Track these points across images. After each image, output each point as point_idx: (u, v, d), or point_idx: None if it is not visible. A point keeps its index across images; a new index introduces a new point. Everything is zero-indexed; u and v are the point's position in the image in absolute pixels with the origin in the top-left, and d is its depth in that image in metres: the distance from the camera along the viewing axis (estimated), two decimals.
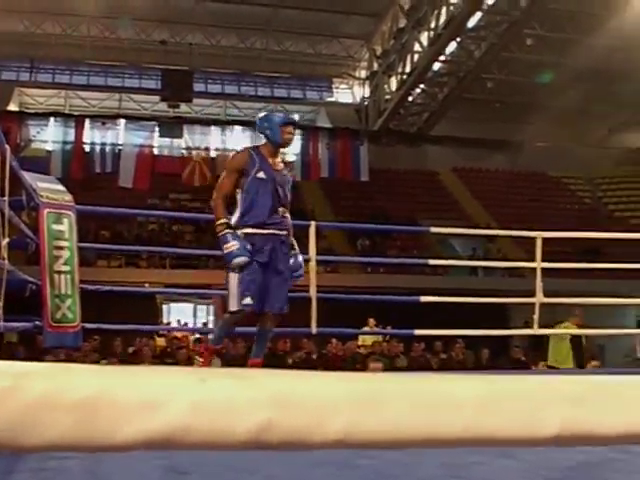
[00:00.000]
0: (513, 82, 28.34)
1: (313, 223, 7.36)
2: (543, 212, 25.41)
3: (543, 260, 7.58)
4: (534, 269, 7.62)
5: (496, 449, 2.35)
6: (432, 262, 9.58)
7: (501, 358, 14.84)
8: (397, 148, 29.11)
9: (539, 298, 7.37)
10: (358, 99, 31.34)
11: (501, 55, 25.92)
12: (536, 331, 7.70)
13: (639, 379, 0.68)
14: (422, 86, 28.40)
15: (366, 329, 14.03)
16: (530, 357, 14.09)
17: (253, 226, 5.49)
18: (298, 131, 27.93)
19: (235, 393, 0.66)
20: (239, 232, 5.43)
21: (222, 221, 5.46)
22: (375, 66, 29.40)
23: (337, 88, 32.03)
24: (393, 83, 28.25)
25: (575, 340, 11.83)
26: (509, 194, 28.41)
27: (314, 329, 7.21)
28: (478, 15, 23.99)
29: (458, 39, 25.23)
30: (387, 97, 28.65)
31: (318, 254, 7.46)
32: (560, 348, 11.35)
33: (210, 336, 6.60)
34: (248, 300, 5.48)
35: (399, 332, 11.88)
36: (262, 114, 5.83)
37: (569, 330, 10.08)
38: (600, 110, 29.07)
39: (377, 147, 27.95)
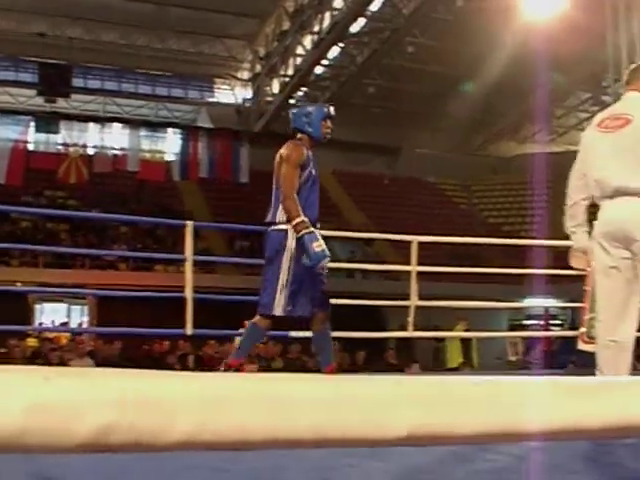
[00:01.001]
0: (394, 89, 28.81)
1: (190, 223, 7.27)
2: (420, 217, 25.87)
3: (419, 264, 7.69)
4: (410, 272, 7.72)
5: (367, 451, 2.34)
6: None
7: (377, 360, 15.02)
8: (278, 150, 29.17)
9: (414, 301, 7.48)
10: (240, 100, 31.26)
11: (383, 61, 26.29)
12: (412, 334, 7.81)
13: (490, 380, 0.69)
14: (304, 89, 28.56)
15: (242, 331, 13.96)
16: (403, 359, 14.33)
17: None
18: (177, 130, 27.70)
19: (78, 393, 0.63)
20: (290, 228, 5.06)
21: (303, 219, 5.02)
22: (258, 68, 29.36)
23: (219, 88, 31.85)
24: (275, 85, 28.28)
25: (465, 343, 12.19)
26: (388, 198, 28.80)
27: (189, 330, 7.13)
28: (361, 21, 24.27)
29: (341, 44, 25.47)
30: (269, 99, 28.67)
31: (195, 255, 7.38)
32: (452, 350, 11.67)
33: (236, 344, 5.95)
34: (292, 306, 5.17)
35: (275, 334, 11.87)
36: (299, 108, 5.51)
37: (455, 333, 10.28)
38: (478, 119, 29.83)
39: (258, 149, 27.90)
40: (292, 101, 28.74)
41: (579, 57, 25.36)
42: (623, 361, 4.06)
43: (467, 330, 12.60)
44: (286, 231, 5.09)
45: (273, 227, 5.20)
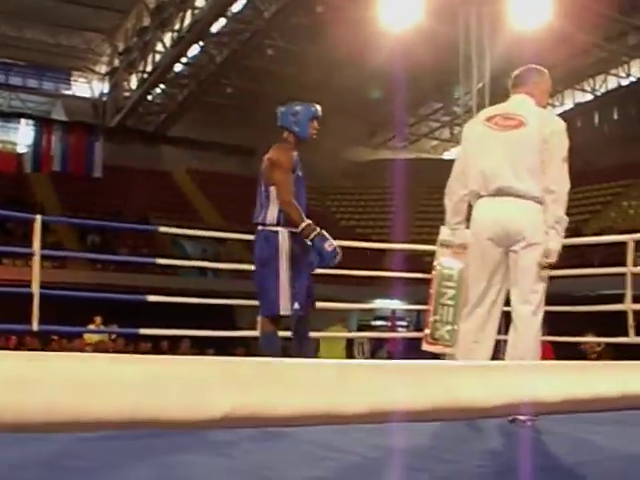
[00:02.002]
0: (252, 90, 28.89)
1: (39, 217, 7.08)
2: None
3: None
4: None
5: (211, 447, 2.40)
6: (160, 261, 9.53)
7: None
8: (133, 146, 28.73)
9: None
10: (97, 94, 30.64)
11: (242, 62, 26.30)
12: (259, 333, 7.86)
13: (312, 363, 0.74)
14: (162, 86, 28.28)
15: (92, 327, 13.77)
16: (256, 355, 14.39)
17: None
18: (30, 121, 26.89)
19: None
20: (284, 230, 4.97)
21: (308, 222, 4.92)
22: (116, 62, 28.82)
23: (76, 81, 31.10)
24: (133, 81, 27.86)
25: (349, 342, 12.39)
26: (241, 198, 28.75)
27: (35, 326, 6.97)
28: (222, 21, 24.23)
29: (201, 43, 25.36)
30: (126, 94, 28.23)
31: (45, 249, 7.23)
32: (333, 350, 11.80)
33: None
34: (297, 305, 5.00)
35: (124, 331, 11.79)
36: (287, 106, 5.29)
37: (331, 334, 10.36)
38: (333, 124, 30.15)
39: (113, 144, 27.45)
40: (150, 97, 28.43)
41: (432, 67, 26.05)
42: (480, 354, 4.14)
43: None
44: (277, 232, 5.02)
45: (263, 228, 5.10)
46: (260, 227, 5.08)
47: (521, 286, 4.08)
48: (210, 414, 0.64)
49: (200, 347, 14.76)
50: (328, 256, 4.93)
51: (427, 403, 0.70)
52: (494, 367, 0.78)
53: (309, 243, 4.98)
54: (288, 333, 5.32)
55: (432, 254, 7.53)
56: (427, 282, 7.37)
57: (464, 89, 18.28)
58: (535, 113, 4.20)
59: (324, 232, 4.98)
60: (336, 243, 5.15)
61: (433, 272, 7.37)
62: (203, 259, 21.32)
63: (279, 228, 5.00)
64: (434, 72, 26.97)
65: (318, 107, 5.29)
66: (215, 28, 24.34)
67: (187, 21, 23.52)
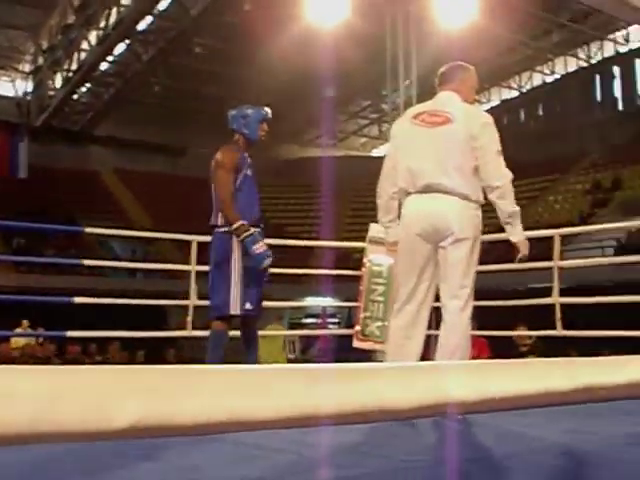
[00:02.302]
0: (180, 88, 28.69)
1: None
2: (203, 217, 25.83)
3: (200, 263, 7.70)
4: (190, 272, 7.73)
5: (139, 451, 2.35)
6: (87, 262, 9.42)
7: (156, 359, 14.93)
8: (59, 146, 28.35)
9: (193, 301, 7.49)
10: (20, 93, 30.07)
11: (169, 61, 26.10)
12: (190, 333, 7.80)
13: (225, 368, 0.73)
14: (88, 85, 27.91)
15: (18, 330, 13.53)
16: (185, 358, 14.34)
17: (250, 225, 5.15)
18: None
19: None
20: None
21: (241, 222, 5.06)
22: (40, 60, 28.32)
23: None
24: (58, 79, 27.36)
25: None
26: (170, 198, 28.58)
27: None
28: (149, 19, 24.00)
29: (127, 41, 25.06)
30: (51, 93, 27.74)
31: None
32: (271, 349, 11.76)
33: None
34: (249, 305, 5.13)
35: (51, 334, 11.61)
36: (237, 109, 5.42)
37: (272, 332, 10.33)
38: None
39: (38, 144, 27.02)
40: (75, 97, 28.02)
41: (360, 65, 26.19)
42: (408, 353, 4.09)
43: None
44: (230, 233, 5.10)
45: (217, 230, 5.20)
46: (215, 229, 5.20)
47: (450, 282, 4.07)
48: (115, 425, 0.62)
49: (130, 349, 14.61)
50: (257, 259, 5.03)
51: (352, 406, 0.69)
52: (417, 368, 0.78)
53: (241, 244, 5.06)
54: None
55: (362, 251, 7.58)
56: (358, 279, 7.43)
57: (392, 87, 18.35)
58: (462, 109, 4.21)
59: (257, 234, 5.07)
60: (267, 241, 5.17)
61: (363, 269, 7.43)
62: (132, 260, 21.14)
63: (231, 229, 5.09)
64: (362, 70, 27.12)
65: (268, 110, 5.43)
66: (141, 26, 24.08)
67: (113, 19, 23.19)
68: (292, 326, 21.02)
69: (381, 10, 18.73)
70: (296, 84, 26.81)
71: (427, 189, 4.06)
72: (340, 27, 18.23)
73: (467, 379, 0.69)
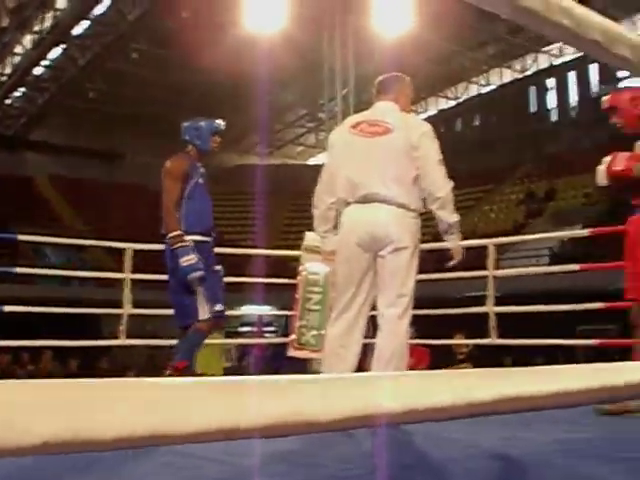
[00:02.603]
0: (117, 94, 28.41)
1: None
2: (140, 224, 25.58)
3: (136, 271, 7.61)
4: (124, 280, 7.63)
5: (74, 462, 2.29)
6: (19, 270, 9.25)
7: (90, 368, 14.76)
8: None
9: (127, 309, 7.40)
10: None
11: (106, 66, 25.83)
12: (124, 341, 7.71)
13: (143, 381, 0.70)
14: (22, 89, 27.48)
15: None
16: (117, 366, 14.20)
17: (201, 233, 5.19)
18: None
19: None
20: (188, 238, 5.07)
21: (178, 233, 5.07)
22: None
23: None
24: None
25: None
26: (106, 205, 28.23)
27: None
28: (85, 23, 23.73)
29: (63, 45, 24.74)
30: None
31: None
32: (209, 358, 11.65)
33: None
34: (219, 306, 5.20)
35: None
36: (190, 122, 5.44)
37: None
38: None
39: None
40: (8, 101, 27.58)
41: (298, 73, 26.23)
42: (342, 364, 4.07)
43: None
44: (169, 240, 5.12)
45: (166, 239, 5.19)
46: (165, 238, 5.17)
47: (389, 290, 4.06)
48: (28, 440, 0.58)
49: (63, 358, 14.40)
50: (182, 271, 5.01)
51: (272, 418, 0.67)
52: (340, 380, 0.75)
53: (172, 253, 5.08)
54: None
55: (298, 259, 7.56)
56: (294, 287, 7.40)
57: (329, 95, 18.41)
58: (401, 119, 4.21)
59: (190, 248, 5.05)
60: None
61: (298, 277, 7.41)
62: (67, 267, 20.78)
63: (186, 237, 5.10)
64: (300, 78, 27.18)
65: (221, 122, 5.53)
66: (77, 30, 23.81)
67: (48, 22, 22.91)
68: (228, 335, 20.82)
69: (319, 19, 18.80)
70: (234, 92, 26.71)
71: (366, 199, 4.05)
72: (278, 35, 18.22)
73: (398, 390, 0.67)
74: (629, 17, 26.27)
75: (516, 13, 0.94)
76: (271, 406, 0.70)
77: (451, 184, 4.14)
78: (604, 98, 4.69)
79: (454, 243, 4.22)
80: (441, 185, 4.10)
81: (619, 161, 4.32)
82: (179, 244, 5.04)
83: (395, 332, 4.04)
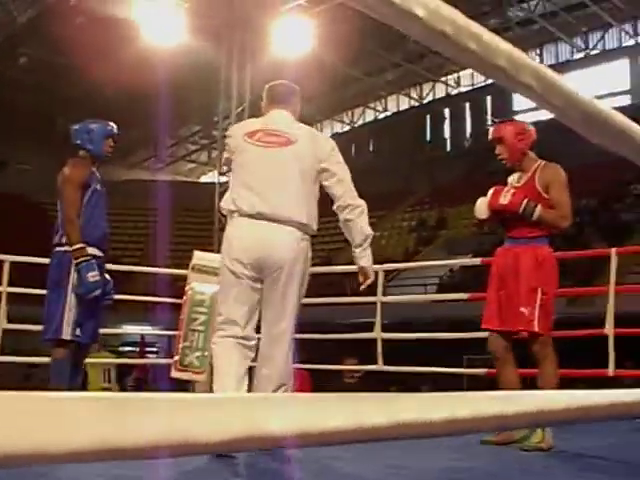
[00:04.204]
0: (3, 100, 27.55)
1: None
2: (17, 236, 24.82)
3: (16, 285, 7.29)
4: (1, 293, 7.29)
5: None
6: None
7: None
8: None
9: (2, 324, 7.07)
10: None
11: None
12: None
13: (79, 395, 0.60)
14: None
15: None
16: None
17: (95, 245, 4.93)
18: None
19: None
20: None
21: (81, 245, 4.79)
22: None
23: None
24: None
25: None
26: None
27: None
28: None
29: None
30: None
31: None
32: (94, 377, 11.36)
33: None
34: (79, 331, 4.81)
35: None
36: (81, 124, 5.08)
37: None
38: None
39: None
40: None
41: (193, 88, 26.01)
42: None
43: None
44: (68, 253, 4.83)
45: (57, 249, 4.91)
46: (55, 248, 4.94)
47: (274, 313, 3.85)
48: None
49: None
50: (87, 287, 4.79)
51: (158, 438, 0.63)
52: (231, 400, 0.68)
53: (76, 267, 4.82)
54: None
55: (185, 278, 7.36)
56: (179, 307, 7.20)
57: (223, 112, 18.26)
58: (305, 131, 4.02)
59: (94, 262, 4.84)
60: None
61: (184, 297, 7.21)
62: None
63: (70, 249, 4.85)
64: (195, 93, 26.97)
65: (113, 125, 5.24)
66: None
67: None
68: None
69: (218, 35, 18.64)
70: (126, 104, 26.27)
71: (260, 215, 3.78)
72: (176, 49, 18.01)
73: (285, 412, 0.61)
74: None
75: (428, 36, 0.93)
76: (156, 425, 0.61)
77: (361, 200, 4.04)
78: (491, 129, 4.72)
79: (367, 261, 4.09)
80: (356, 196, 4.01)
81: (504, 196, 4.41)
82: (82, 258, 4.80)
83: (279, 355, 3.85)
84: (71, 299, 4.84)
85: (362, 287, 4.15)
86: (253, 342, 3.92)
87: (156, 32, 16.87)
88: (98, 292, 4.86)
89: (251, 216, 3.79)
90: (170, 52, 18.12)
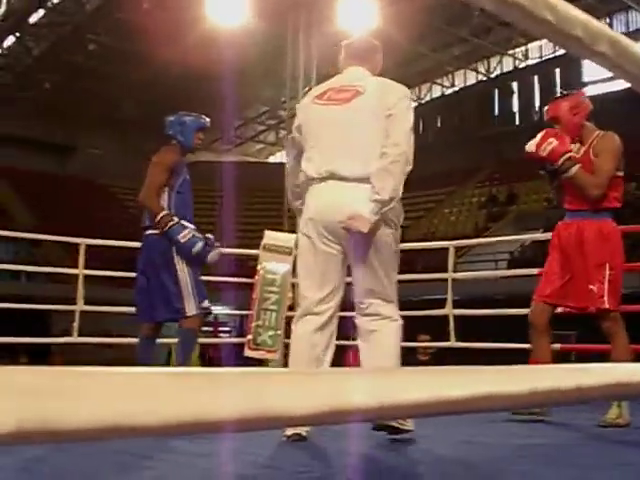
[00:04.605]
0: (72, 86, 27.98)
1: None
2: (91, 219, 25.25)
3: (88, 267, 7.42)
4: (77, 276, 7.44)
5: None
6: None
7: (40, 365, 14.51)
8: None
9: (80, 306, 7.21)
10: None
11: (62, 57, 25.42)
12: (76, 339, 7.53)
13: (103, 371, 0.62)
14: None
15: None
16: (69, 364, 13.97)
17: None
18: None
19: None
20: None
21: (165, 212, 4.89)
22: None
23: None
24: None
25: None
26: (57, 198, 27.78)
27: None
28: (41, 12, 23.37)
29: (17, 34, 24.34)
30: None
31: None
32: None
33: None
34: (207, 302, 4.96)
35: None
36: (175, 116, 5.22)
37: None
38: (153, 125, 29.78)
39: None
40: None
41: (259, 69, 26.06)
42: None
43: None
44: (164, 234, 4.91)
45: (150, 231, 4.98)
46: (150, 230, 4.98)
47: (361, 283, 3.59)
48: None
49: (12, 355, 14.11)
50: (184, 249, 4.89)
51: (233, 412, 0.64)
52: (317, 374, 0.69)
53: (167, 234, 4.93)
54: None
55: (256, 258, 7.42)
56: (251, 287, 7.26)
57: (291, 92, 18.30)
58: (376, 82, 3.67)
59: (183, 222, 4.94)
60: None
61: (256, 277, 7.27)
62: (15, 262, 20.39)
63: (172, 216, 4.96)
64: (261, 74, 27.00)
65: (206, 119, 5.35)
66: (33, 19, 23.40)
67: (2, 10, 22.49)
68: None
69: (283, 15, 18.68)
70: (193, 86, 26.46)
71: (330, 176, 3.51)
72: (242, 31, 18.09)
73: (366, 385, 0.63)
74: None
75: (501, 7, 0.93)
76: (241, 399, 0.62)
77: (411, 160, 3.53)
78: (545, 109, 4.62)
79: (371, 215, 3.39)
80: (403, 157, 3.46)
81: (544, 148, 4.30)
82: (170, 223, 4.88)
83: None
84: (184, 277, 4.91)
85: (345, 225, 3.44)
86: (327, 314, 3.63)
87: (222, 13, 16.96)
88: (199, 246, 4.95)
89: (321, 179, 3.56)
90: (236, 33, 18.19)
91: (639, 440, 3.87)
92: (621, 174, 4.40)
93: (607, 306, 4.18)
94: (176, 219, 4.90)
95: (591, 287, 4.22)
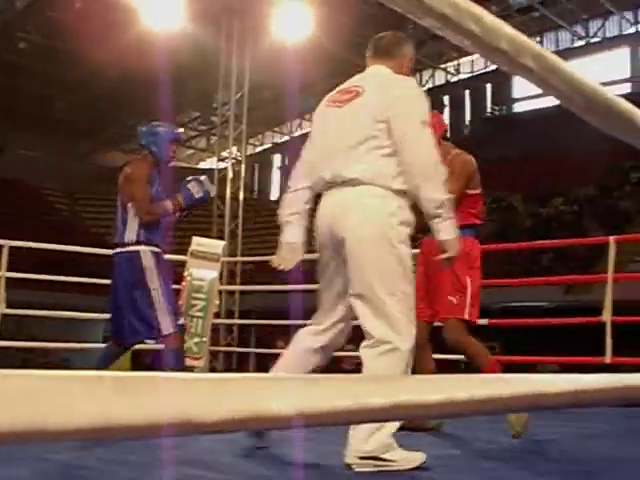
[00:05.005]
0: (1, 85, 27.48)
1: None
2: (21, 221, 24.79)
3: (11, 270, 7.28)
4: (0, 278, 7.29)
5: None
6: None
7: None
8: None
9: (1, 309, 7.07)
10: None
11: None
12: None
13: (19, 374, 0.60)
14: None
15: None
16: None
17: (155, 244, 4.89)
18: None
19: None
20: (145, 248, 4.81)
21: (168, 202, 4.95)
22: None
23: None
24: None
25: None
26: None
27: None
28: None
29: None
30: None
31: None
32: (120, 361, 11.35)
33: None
34: (181, 320, 4.91)
35: None
36: (148, 126, 5.11)
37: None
38: (85, 126, 29.32)
39: None
40: None
41: (192, 74, 25.91)
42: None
43: None
44: (138, 252, 4.82)
45: (122, 249, 4.87)
46: (119, 248, 4.91)
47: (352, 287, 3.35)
48: None
49: None
50: (204, 199, 5.21)
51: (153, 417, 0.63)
52: (223, 380, 0.69)
53: (190, 207, 5.11)
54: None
55: (184, 264, 7.36)
56: (177, 293, 7.20)
57: (223, 99, 18.20)
58: (375, 81, 3.45)
59: (189, 187, 5.09)
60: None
61: (183, 283, 7.22)
62: None
63: (140, 247, 4.85)
64: (194, 79, 26.85)
65: (180, 131, 5.36)
66: None
67: None
68: (106, 339, 20.45)
69: (218, 21, 18.57)
70: (125, 89, 26.19)
71: (331, 184, 3.34)
72: (176, 35, 17.94)
73: (287, 392, 0.65)
74: None
75: (428, 18, 0.94)
76: (159, 404, 0.64)
77: (437, 154, 3.28)
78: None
79: (446, 233, 3.23)
80: (424, 152, 3.25)
81: None
82: (179, 199, 5.02)
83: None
84: (157, 296, 4.82)
85: (440, 257, 3.28)
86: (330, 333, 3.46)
87: (155, 17, 16.80)
88: (211, 189, 5.33)
89: (320, 187, 3.43)
90: (169, 37, 18.03)
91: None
92: (476, 192, 4.54)
93: (467, 317, 4.35)
94: (178, 197, 5.01)
95: (450, 298, 4.34)
